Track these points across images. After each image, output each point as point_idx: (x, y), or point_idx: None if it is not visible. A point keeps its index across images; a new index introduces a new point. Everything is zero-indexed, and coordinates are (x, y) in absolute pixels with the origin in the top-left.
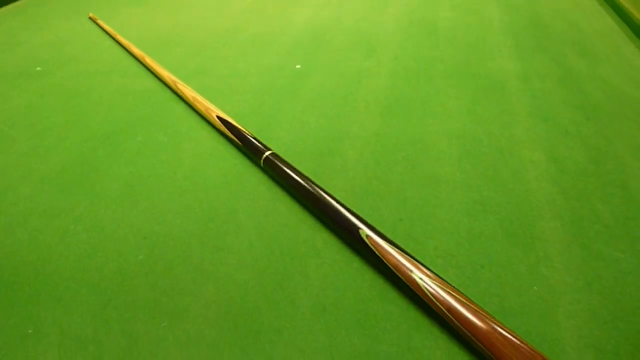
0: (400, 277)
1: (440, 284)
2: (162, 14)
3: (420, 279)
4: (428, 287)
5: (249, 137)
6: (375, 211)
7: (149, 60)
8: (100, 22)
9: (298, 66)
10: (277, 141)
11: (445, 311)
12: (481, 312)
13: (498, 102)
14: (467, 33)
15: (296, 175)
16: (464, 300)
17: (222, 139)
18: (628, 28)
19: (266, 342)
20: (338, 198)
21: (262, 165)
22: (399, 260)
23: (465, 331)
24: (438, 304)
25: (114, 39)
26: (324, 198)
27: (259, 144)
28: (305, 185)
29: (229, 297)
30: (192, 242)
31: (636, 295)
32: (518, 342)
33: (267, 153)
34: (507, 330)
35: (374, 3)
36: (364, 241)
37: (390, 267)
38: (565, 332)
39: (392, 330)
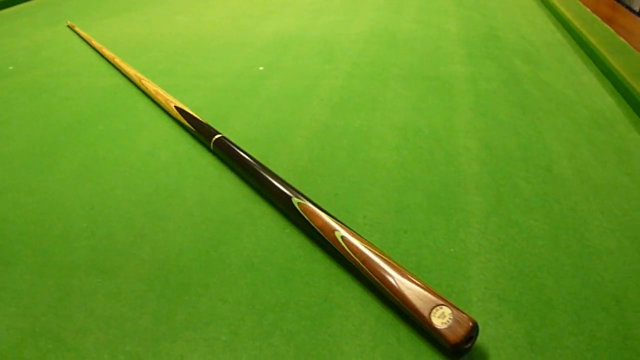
0: (324, 236)
1: (359, 240)
2: (139, 23)
3: (342, 237)
4: (348, 243)
5: (202, 123)
6: (314, 187)
7: (118, 60)
8: (77, 29)
9: (261, 68)
10: (231, 130)
11: (360, 263)
12: (393, 263)
13: (443, 99)
14: (424, 43)
15: (241, 153)
16: (379, 254)
17: (179, 128)
18: (574, 42)
19: (193, 294)
20: (281, 177)
21: (212, 148)
22: (324, 221)
23: (377, 280)
24: (354, 257)
25: (88, 43)
26: (264, 172)
27: (210, 129)
28: (249, 160)
29: (164, 258)
30: (136, 212)
31: (543, 255)
32: (424, 289)
33: (217, 136)
34: (417, 280)
35: (341, 17)
36: (295, 208)
37: (316, 228)
38: (474, 285)
39: (313, 284)
